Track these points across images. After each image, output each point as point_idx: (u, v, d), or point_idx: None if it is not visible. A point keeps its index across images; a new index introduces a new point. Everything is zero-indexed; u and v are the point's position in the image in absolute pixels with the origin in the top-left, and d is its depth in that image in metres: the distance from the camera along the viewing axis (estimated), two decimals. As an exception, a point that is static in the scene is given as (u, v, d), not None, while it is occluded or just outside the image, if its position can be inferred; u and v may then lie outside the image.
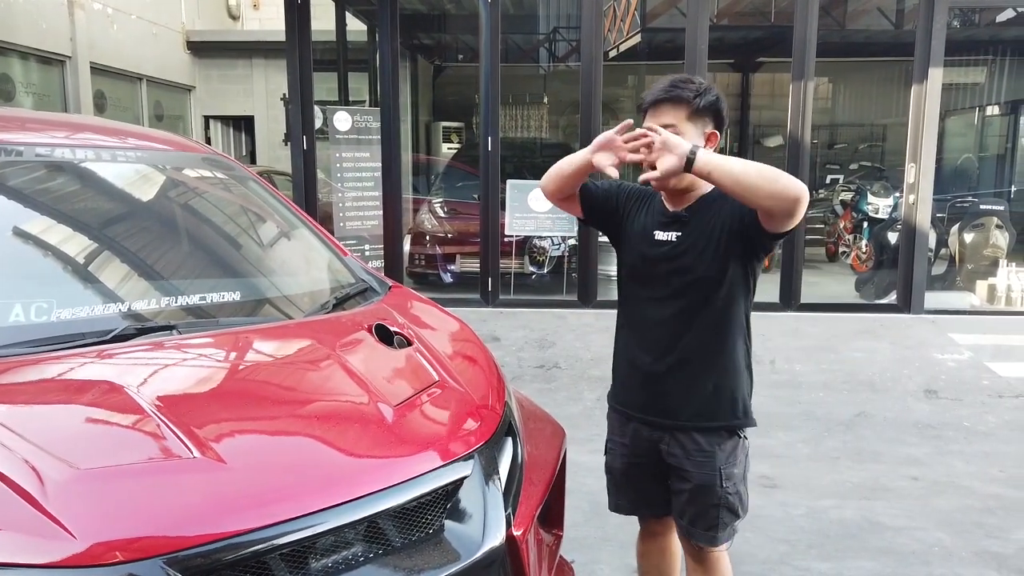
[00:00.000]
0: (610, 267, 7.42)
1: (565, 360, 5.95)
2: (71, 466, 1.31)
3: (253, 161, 12.63)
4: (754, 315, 5.92)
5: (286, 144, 8.72)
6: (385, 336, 2.04)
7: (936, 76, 6.52)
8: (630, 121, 2.00)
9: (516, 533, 1.69)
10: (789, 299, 6.96)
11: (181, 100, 12.32)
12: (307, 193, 7.06)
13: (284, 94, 11.20)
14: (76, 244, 2.04)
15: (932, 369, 5.68)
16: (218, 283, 2.20)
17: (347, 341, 1.99)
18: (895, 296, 7.02)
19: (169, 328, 1.87)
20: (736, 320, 2.06)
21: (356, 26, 9.70)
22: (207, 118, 12.80)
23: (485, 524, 1.60)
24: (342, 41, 9.17)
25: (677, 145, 1.85)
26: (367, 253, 7.54)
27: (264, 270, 2.42)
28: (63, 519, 1.22)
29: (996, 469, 4.11)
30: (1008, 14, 9.82)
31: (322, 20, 9.25)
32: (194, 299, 2.05)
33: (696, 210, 2.05)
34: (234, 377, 1.72)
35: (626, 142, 1.95)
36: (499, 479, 1.72)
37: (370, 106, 9.19)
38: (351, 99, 9.76)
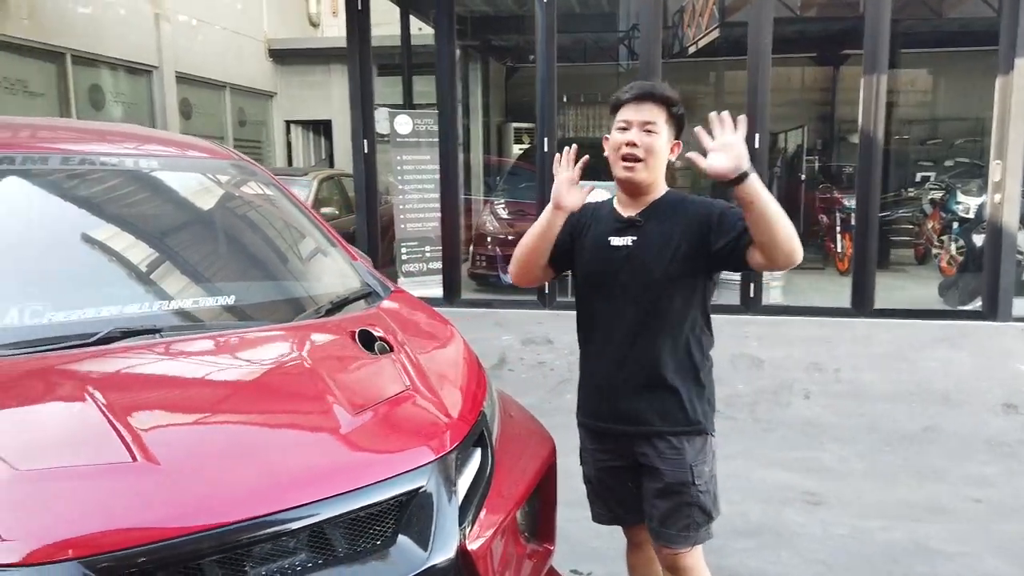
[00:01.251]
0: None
1: (617, 364, 5.83)
2: (11, 467, 1.35)
3: (331, 164, 12.98)
4: (821, 320, 5.72)
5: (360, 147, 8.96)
6: (368, 341, 2.04)
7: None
8: (557, 155, 2.07)
9: (472, 547, 1.65)
10: (862, 304, 6.60)
11: (263, 106, 12.79)
12: (368, 196, 7.19)
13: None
14: (79, 248, 2.12)
15: (1015, 382, 5.27)
16: (215, 287, 2.25)
17: (325, 346, 2.00)
18: (980, 302, 6.55)
19: (154, 331, 1.91)
20: (694, 324, 2.07)
21: (428, 30, 9.83)
22: (288, 123, 13.25)
23: (434, 538, 1.57)
24: (407, 45, 9.30)
25: (740, 155, 1.81)
26: (427, 255, 7.62)
27: (266, 274, 2.46)
28: (-6, 519, 1.26)
29: (1073, 493, 3.77)
30: None
31: (393, 25, 9.42)
32: (187, 303, 2.10)
33: (651, 214, 2.06)
34: (197, 381, 1.75)
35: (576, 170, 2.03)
36: (456, 492, 1.68)
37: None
38: (421, 103, 9.88)
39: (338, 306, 2.30)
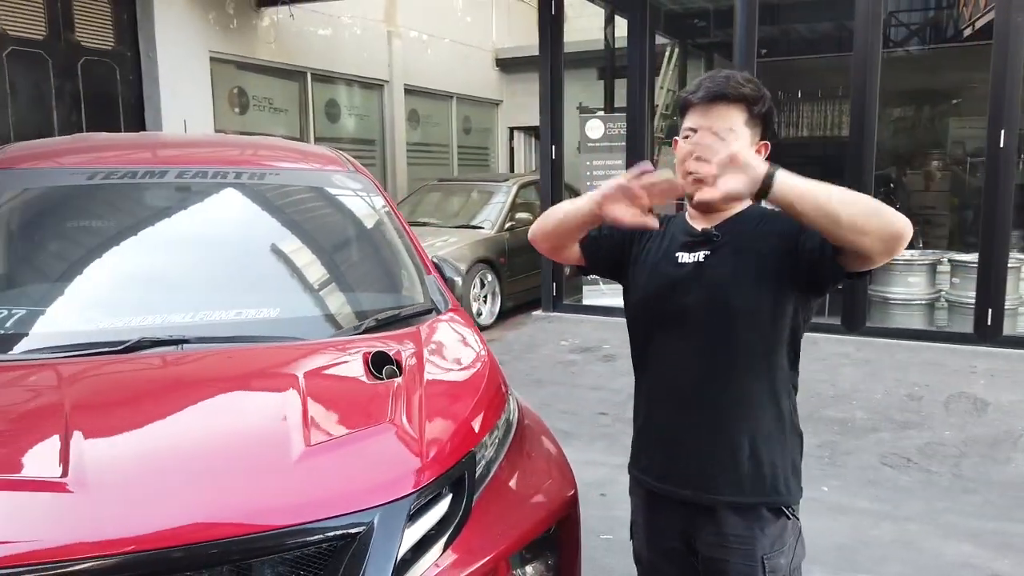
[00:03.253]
0: (886, 288, 6.30)
1: (801, 393, 5.17)
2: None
3: (552, 169, 13.13)
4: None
5: (579, 152, 8.92)
6: (380, 364, 1.94)
7: None
8: (647, 164, 1.58)
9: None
10: None
11: (489, 114, 13.29)
12: (552, 203, 7.12)
13: (580, 103, 11.45)
14: (130, 260, 2.28)
15: None
16: (265, 299, 2.27)
17: (327, 368, 1.93)
18: None
19: (179, 342, 1.98)
20: (781, 365, 1.65)
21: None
22: (511, 129, 13.64)
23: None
24: (610, 47, 9.09)
25: (750, 164, 1.43)
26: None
27: (323, 288, 2.45)
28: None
29: None
30: None
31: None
32: (228, 314, 2.15)
33: (730, 228, 1.66)
34: (169, 399, 1.75)
35: (647, 188, 1.52)
36: (400, 543, 1.51)
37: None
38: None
39: (384, 323, 2.23)
